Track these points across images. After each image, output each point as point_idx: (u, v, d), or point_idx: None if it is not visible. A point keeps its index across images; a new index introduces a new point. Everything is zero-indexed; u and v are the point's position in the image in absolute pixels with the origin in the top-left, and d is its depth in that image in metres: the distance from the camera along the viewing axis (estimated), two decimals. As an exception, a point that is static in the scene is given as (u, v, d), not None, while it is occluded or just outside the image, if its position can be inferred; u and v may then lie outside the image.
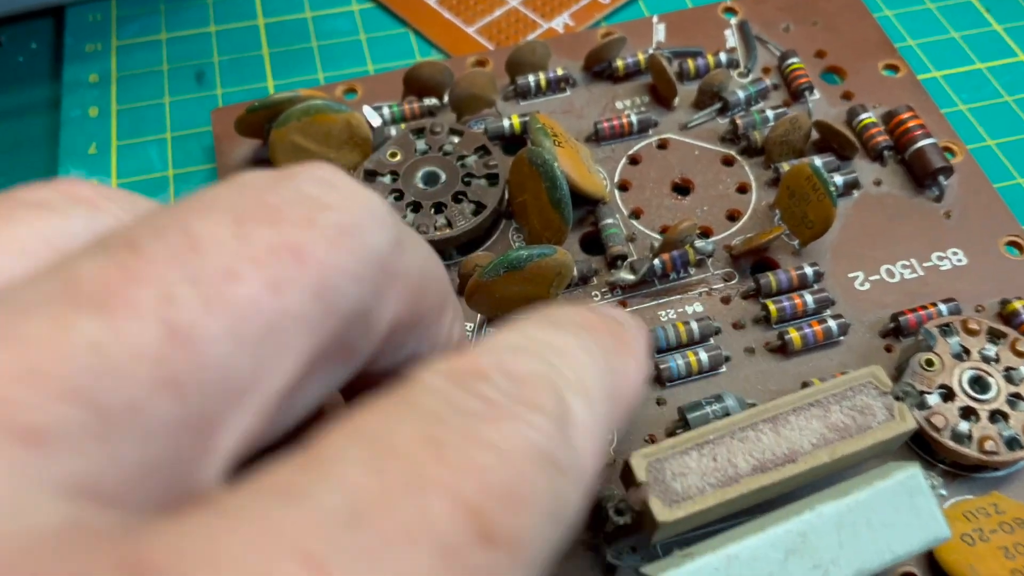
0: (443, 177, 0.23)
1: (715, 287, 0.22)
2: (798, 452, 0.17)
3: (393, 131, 0.24)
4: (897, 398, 0.18)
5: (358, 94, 0.26)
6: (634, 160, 0.25)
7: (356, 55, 0.29)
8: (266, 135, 0.23)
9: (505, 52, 0.26)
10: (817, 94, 0.26)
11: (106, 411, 0.08)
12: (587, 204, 0.23)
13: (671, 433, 0.20)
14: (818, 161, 0.24)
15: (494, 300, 0.20)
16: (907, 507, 0.17)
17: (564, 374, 0.11)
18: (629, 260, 0.22)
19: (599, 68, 0.26)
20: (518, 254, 0.19)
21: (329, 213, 0.11)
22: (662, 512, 0.17)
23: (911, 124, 0.24)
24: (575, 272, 0.22)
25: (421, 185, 0.23)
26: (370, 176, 0.23)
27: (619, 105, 0.26)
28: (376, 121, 0.23)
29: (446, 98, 0.25)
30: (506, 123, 0.24)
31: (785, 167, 0.24)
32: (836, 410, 0.18)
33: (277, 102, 0.23)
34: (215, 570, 0.07)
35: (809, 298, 0.21)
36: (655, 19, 0.28)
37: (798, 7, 0.28)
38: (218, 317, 0.09)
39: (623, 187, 0.24)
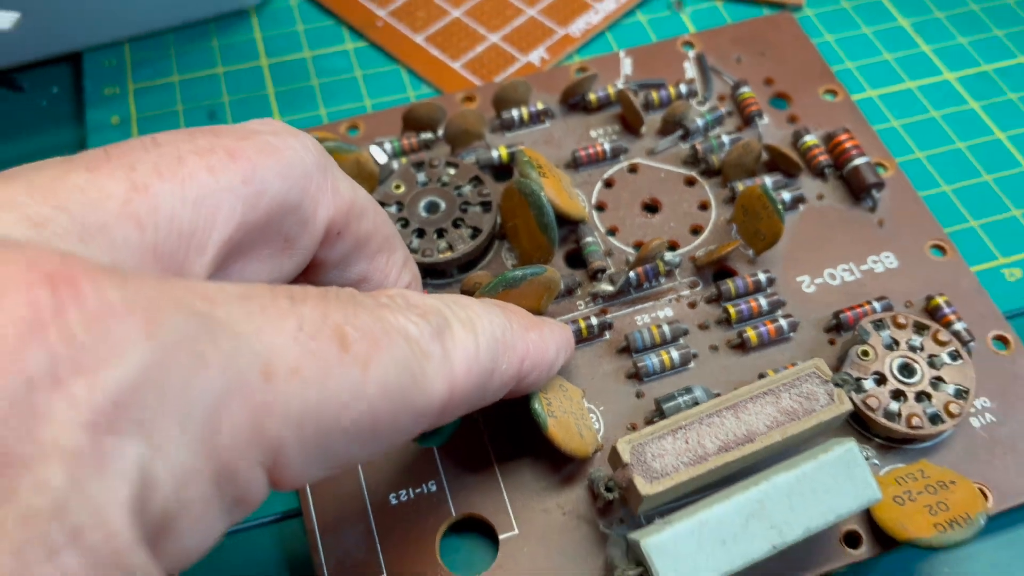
0: (443, 206, 0.26)
1: (683, 294, 0.26)
2: (755, 433, 0.21)
3: (395, 164, 0.28)
4: (837, 385, 0.21)
5: (360, 131, 0.29)
6: (608, 183, 0.28)
7: (353, 91, 0.32)
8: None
9: (491, 88, 0.30)
10: (766, 119, 0.29)
11: (86, 227, 0.13)
12: (569, 224, 0.27)
13: (649, 421, 0.23)
14: (768, 181, 0.27)
15: (494, 313, 0.24)
16: (845, 476, 0.20)
17: (456, 312, 0.17)
18: (608, 273, 0.26)
19: (574, 101, 0.30)
20: (514, 274, 0.23)
21: (262, 135, 0.16)
22: (644, 487, 0.20)
23: (847, 144, 0.28)
24: (562, 286, 0.25)
25: (424, 214, 0.26)
26: (378, 206, 0.26)
27: (593, 134, 0.29)
28: (382, 159, 0.26)
29: (440, 131, 0.28)
30: (495, 154, 0.28)
31: (740, 187, 0.27)
32: (786, 397, 0.21)
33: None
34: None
35: (763, 301, 0.25)
36: (622, 54, 0.31)
37: (748, 39, 0.32)
38: (166, 182, 0.14)
39: (600, 208, 0.27)
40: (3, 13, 0.25)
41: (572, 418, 0.22)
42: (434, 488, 0.23)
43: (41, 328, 0.10)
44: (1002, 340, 0.25)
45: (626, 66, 0.31)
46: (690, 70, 0.31)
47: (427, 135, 0.28)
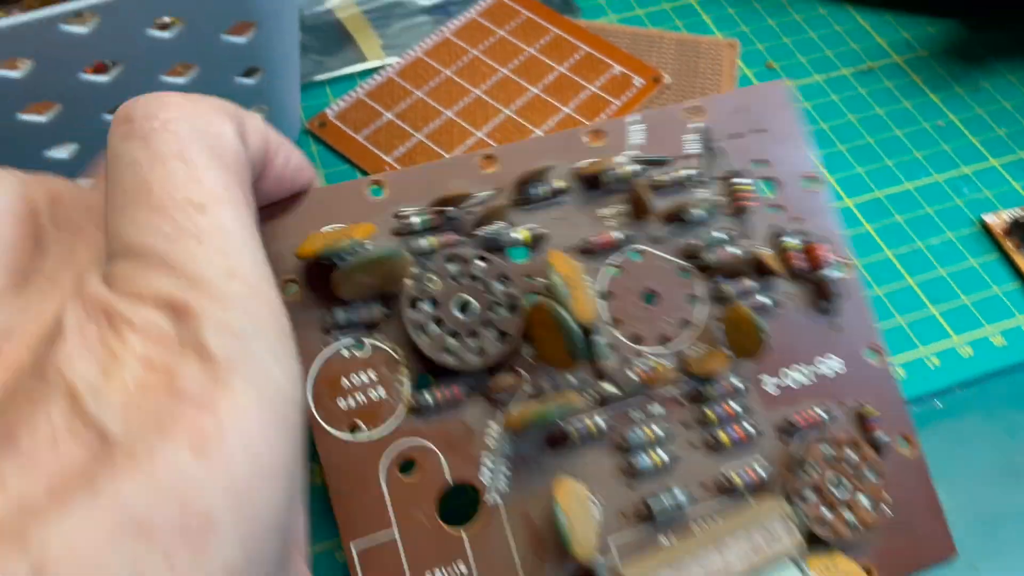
0: (473, 305, 0.28)
1: (669, 389, 0.30)
2: (731, 567, 0.27)
3: (424, 241, 0.29)
4: (795, 523, 0.27)
5: (384, 191, 0.30)
6: (615, 266, 0.31)
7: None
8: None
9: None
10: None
11: None
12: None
13: (638, 514, 0.28)
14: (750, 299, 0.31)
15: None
16: (788, 593, 0.27)
17: None
18: (612, 372, 0.29)
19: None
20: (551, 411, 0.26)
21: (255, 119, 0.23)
22: (649, 612, 0.26)
23: (820, 252, 0.31)
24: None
25: (456, 313, 0.28)
26: (411, 303, 0.28)
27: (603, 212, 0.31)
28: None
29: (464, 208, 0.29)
30: (518, 236, 0.29)
31: (724, 287, 0.31)
32: (756, 536, 0.27)
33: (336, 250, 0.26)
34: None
35: (736, 406, 0.30)
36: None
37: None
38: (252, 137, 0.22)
39: (607, 296, 0.30)
40: None
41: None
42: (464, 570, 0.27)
43: None
44: (906, 439, 0.31)
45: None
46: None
47: (451, 210, 0.29)
